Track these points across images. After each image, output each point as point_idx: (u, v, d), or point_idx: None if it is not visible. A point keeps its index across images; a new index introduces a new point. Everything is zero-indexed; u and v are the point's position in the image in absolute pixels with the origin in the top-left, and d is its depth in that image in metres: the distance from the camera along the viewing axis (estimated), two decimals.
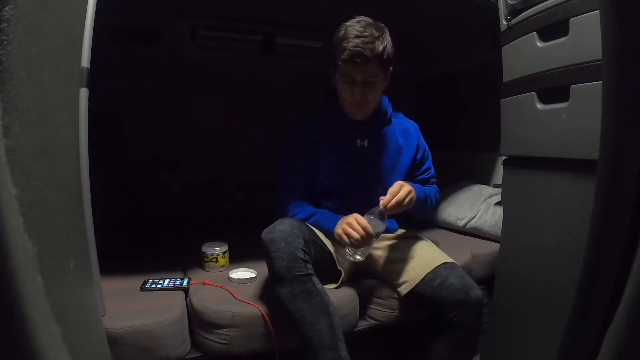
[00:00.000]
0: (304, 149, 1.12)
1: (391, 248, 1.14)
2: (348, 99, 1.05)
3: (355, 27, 0.99)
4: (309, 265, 0.92)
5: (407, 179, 1.13)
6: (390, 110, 1.18)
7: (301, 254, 0.90)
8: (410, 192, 1.00)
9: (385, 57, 1.01)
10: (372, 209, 0.98)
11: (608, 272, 0.51)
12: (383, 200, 0.97)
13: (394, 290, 1.07)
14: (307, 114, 1.19)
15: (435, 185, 1.24)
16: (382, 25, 1.04)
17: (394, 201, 0.96)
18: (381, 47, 0.99)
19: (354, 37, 0.98)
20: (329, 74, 1.10)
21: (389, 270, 1.09)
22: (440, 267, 1.01)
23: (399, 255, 1.10)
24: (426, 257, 1.06)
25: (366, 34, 0.98)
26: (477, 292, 0.97)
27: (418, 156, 1.19)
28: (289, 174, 1.13)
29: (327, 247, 1.04)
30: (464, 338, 0.98)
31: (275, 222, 0.97)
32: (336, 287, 1.04)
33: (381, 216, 0.97)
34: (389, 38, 1.03)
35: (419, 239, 1.18)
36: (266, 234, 0.93)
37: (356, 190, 1.13)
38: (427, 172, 1.24)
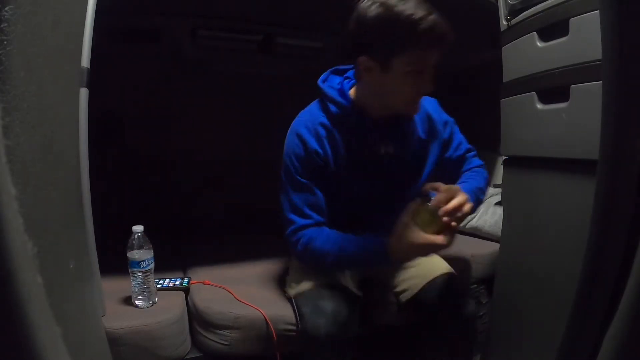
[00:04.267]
0: (313, 184, 0.89)
1: None
2: (411, 94, 0.83)
3: (410, 4, 0.76)
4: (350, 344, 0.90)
5: (435, 175, 0.99)
6: None
7: (347, 347, 0.88)
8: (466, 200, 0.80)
9: None
10: (419, 203, 0.78)
11: (608, 272, 0.51)
12: (437, 197, 0.78)
13: (394, 294, 1.07)
14: (304, 135, 0.89)
15: (475, 159, 1.05)
16: None
17: (450, 205, 0.77)
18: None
19: (427, 14, 0.75)
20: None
21: (390, 275, 1.09)
22: (438, 277, 1.01)
23: None
24: (426, 265, 1.06)
25: (429, 9, 0.77)
26: (471, 307, 0.98)
27: (445, 135, 1.00)
28: (299, 212, 0.90)
29: (352, 292, 0.99)
30: (457, 348, 1.00)
31: (314, 306, 0.87)
32: None
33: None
34: None
35: None
36: (313, 329, 0.84)
37: (376, 205, 0.97)
38: (459, 148, 1.03)
